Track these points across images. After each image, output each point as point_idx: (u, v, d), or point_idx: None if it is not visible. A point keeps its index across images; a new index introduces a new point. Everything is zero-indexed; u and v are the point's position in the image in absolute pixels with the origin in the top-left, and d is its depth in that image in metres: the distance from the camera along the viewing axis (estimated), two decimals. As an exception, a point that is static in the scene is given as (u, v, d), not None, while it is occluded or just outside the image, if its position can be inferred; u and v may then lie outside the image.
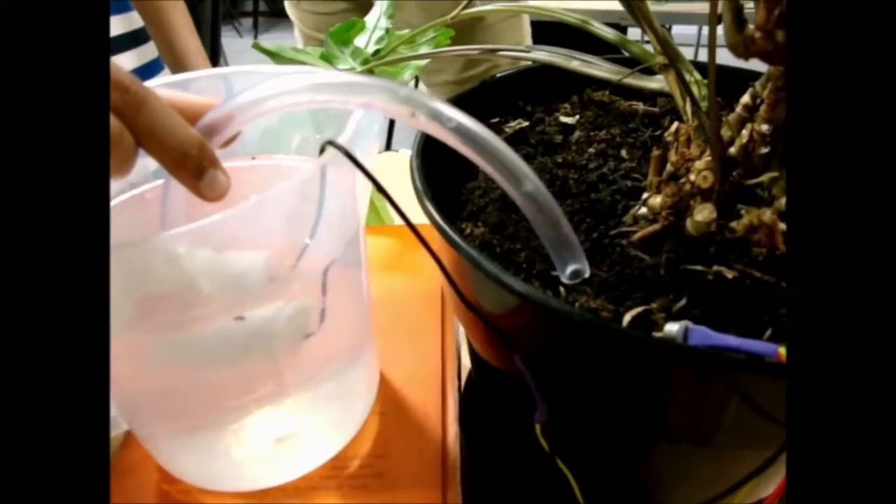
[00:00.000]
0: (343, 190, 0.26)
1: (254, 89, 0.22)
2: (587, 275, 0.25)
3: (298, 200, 0.23)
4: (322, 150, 0.23)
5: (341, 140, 0.23)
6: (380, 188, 0.24)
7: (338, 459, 0.33)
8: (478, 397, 0.41)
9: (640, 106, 0.42)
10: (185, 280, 0.22)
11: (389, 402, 0.36)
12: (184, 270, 0.21)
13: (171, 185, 0.24)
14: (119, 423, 0.34)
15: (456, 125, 0.22)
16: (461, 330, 0.44)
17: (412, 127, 0.23)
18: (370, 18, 0.53)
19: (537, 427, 0.27)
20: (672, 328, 0.23)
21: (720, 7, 0.24)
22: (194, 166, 0.22)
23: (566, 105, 0.41)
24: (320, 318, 0.26)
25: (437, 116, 0.22)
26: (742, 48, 0.24)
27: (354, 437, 0.34)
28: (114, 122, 0.20)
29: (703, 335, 0.22)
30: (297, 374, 0.29)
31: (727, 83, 0.33)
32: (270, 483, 0.32)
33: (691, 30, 2.46)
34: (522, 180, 0.23)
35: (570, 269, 0.25)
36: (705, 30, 2.05)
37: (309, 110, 0.33)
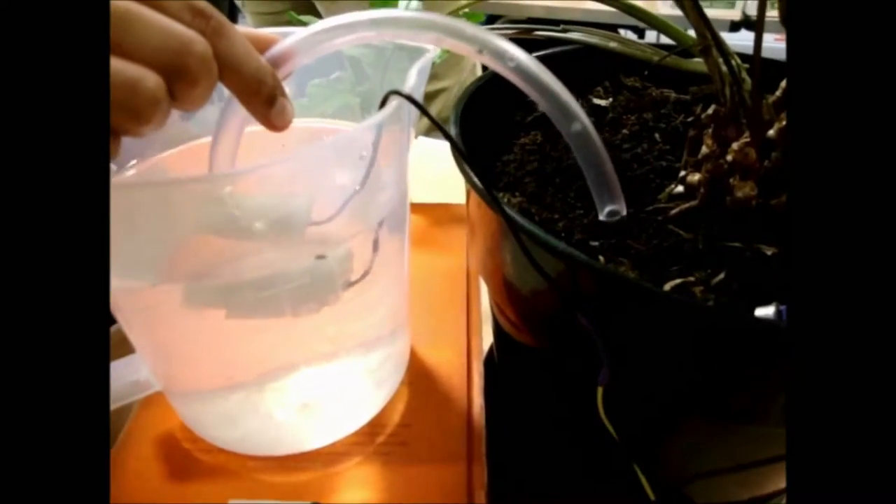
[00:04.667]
0: (401, 147, 0.26)
1: (318, 24, 0.23)
2: (623, 214, 0.25)
3: (356, 153, 0.23)
4: (384, 102, 0.23)
5: (405, 89, 0.23)
6: (445, 134, 0.24)
7: (362, 427, 0.33)
8: (498, 375, 0.41)
9: (672, 94, 0.42)
10: (228, 221, 0.22)
11: (416, 374, 0.36)
12: (227, 211, 0.22)
13: (221, 133, 0.24)
14: (145, 387, 0.33)
15: (516, 65, 0.23)
16: (483, 310, 0.44)
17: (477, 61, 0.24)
18: (403, -6, 0.54)
19: (599, 390, 0.27)
20: (767, 311, 0.23)
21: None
22: (267, 94, 0.22)
23: (599, 89, 0.42)
24: (366, 271, 0.26)
25: (500, 55, 0.23)
26: (795, 23, 0.24)
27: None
28: (204, 45, 0.20)
29: None
30: (337, 341, 0.29)
31: (763, 72, 0.33)
32: (296, 449, 0.32)
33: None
34: (573, 120, 0.23)
35: (609, 208, 0.25)
36: (722, 35, 2.04)
37: (353, 76, 0.33)
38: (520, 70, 0.23)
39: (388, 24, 0.23)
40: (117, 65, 0.18)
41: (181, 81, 0.20)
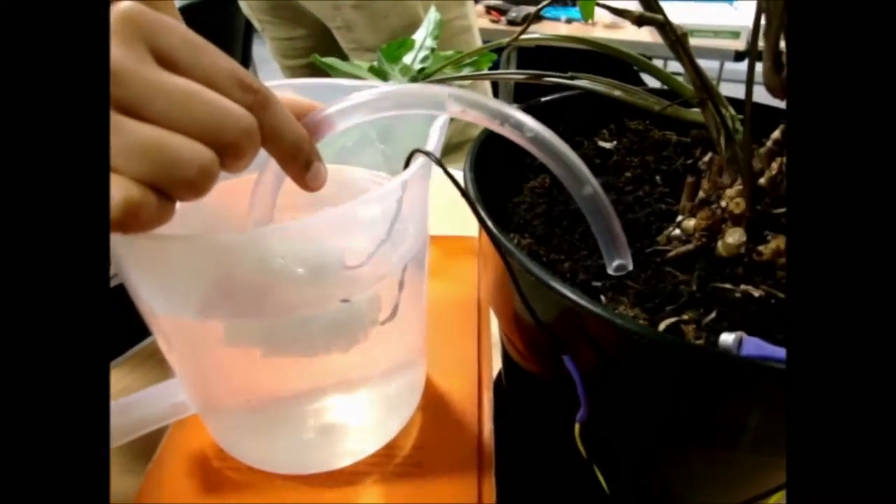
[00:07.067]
0: (423, 196, 0.29)
1: (354, 96, 0.25)
2: (630, 268, 0.28)
3: (385, 210, 0.26)
4: (409, 158, 0.26)
5: (428, 148, 0.26)
6: (466, 195, 0.27)
7: (381, 448, 0.36)
8: (506, 400, 0.43)
9: (673, 136, 0.45)
10: (263, 268, 0.24)
11: (430, 400, 0.38)
12: (263, 259, 0.24)
13: (259, 187, 0.27)
14: (182, 410, 0.36)
15: (533, 135, 0.26)
16: (493, 338, 0.46)
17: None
18: (418, 37, 0.56)
19: (576, 426, 0.29)
20: (728, 339, 0.25)
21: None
22: (304, 159, 0.25)
23: (604, 131, 0.44)
24: (393, 311, 0.29)
25: (519, 127, 0.25)
26: (779, 89, 0.27)
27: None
28: (250, 121, 0.22)
29: (757, 346, 0.24)
30: (362, 370, 0.31)
31: (757, 119, 0.36)
32: (319, 469, 0.34)
33: (713, 64, 2.50)
34: (584, 183, 0.26)
35: (616, 263, 0.28)
36: (727, 65, 2.08)
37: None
38: (536, 140, 0.25)
39: (419, 98, 0.25)
40: (178, 141, 0.21)
41: (230, 155, 0.22)
